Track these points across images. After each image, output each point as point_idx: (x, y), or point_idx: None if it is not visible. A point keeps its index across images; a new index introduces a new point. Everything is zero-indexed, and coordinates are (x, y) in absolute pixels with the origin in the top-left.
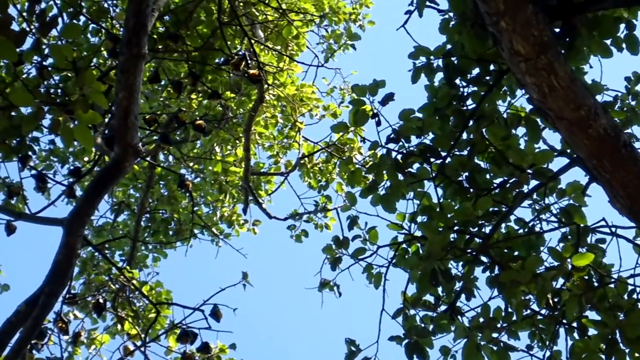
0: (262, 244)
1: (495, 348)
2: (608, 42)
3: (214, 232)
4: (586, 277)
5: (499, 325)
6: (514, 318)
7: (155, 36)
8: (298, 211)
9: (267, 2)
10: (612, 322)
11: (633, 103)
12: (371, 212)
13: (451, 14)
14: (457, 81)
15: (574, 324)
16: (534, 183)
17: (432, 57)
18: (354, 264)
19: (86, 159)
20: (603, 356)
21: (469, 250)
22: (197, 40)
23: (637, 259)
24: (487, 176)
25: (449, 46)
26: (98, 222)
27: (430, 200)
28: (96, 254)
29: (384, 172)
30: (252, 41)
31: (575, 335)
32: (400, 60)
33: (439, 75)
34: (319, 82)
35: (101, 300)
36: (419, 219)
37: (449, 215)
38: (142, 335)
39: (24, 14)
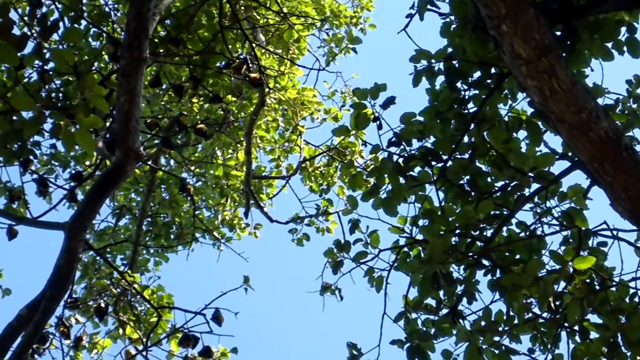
0: (263, 247)
1: (497, 351)
2: (609, 45)
3: (216, 236)
4: (588, 281)
5: (500, 329)
6: (516, 321)
7: (156, 40)
8: (299, 215)
9: (268, 5)
10: (613, 325)
11: (634, 106)
12: (372, 216)
13: (452, 18)
14: (459, 84)
15: (576, 327)
16: (535, 186)
17: (433, 61)
18: (356, 268)
19: (87, 163)
20: (605, 359)
21: (470, 254)
22: (198, 44)
23: (639, 262)
24: (489, 179)
25: (450, 49)
26: (99, 226)
27: (431, 204)
28: (98, 258)
29: (385, 175)
30: (253, 45)
31: (577, 338)
32: (401, 63)
33: (440, 79)
34: (320, 86)
35: (103, 305)
36: (421, 222)
37: (450, 219)
38: (144, 340)
39: (25, 18)
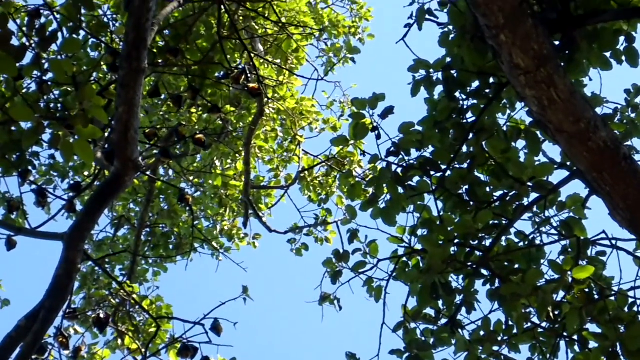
0: (262, 257)
1: None
2: (608, 54)
3: (214, 246)
4: (587, 290)
5: (499, 339)
6: (515, 331)
7: (155, 50)
8: (298, 225)
9: (266, 15)
10: (612, 334)
11: (633, 115)
12: (371, 226)
13: (451, 28)
14: (457, 94)
15: (575, 337)
16: (534, 196)
17: (431, 70)
18: (355, 278)
19: (86, 173)
20: None
21: (469, 264)
22: (196, 54)
23: (638, 272)
24: (487, 189)
25: (448, 59)
26: (98, 237)
27: (430, 214)
28: (96, 268)
29: (384, 185)
30: (252, 55)
31: (576, 348)
32: (399, 73)
33: (439, 89)
34: (319, 96)
35: (102, 316)
36: (419, 232)
37: (449, 229)
38: (143, 350)
39: (24, 29)
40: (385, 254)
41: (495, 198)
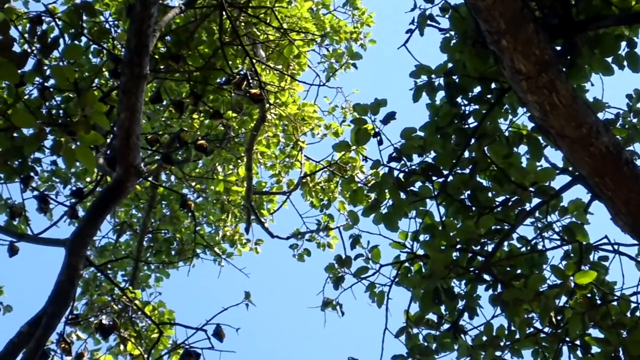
0: (264, 263)
1: None
2: (609, 59)
3: (217, 252)
4: (589, 295)
5: (502, 344)
6: (517, 336)
7: (156, 56)
8: (300, 230)
9: (268, 21)
10: (615, 339)
11: (635, 120)
12: (373, 231)
13: (452, 33)
14: (459, 99)
15: (577, 342)
16: (536, 201)
17: (433, 76)
18: (357, 283)
19: (88, 179)
20: None
21: (471, 269)
22: (198, 60)
23: None
24: (489, 194)
25: (450, 65)
26: (100, 243)
27: (432, 219)
28: (98, 274)
29: (386, 190)
30: (254, 61)
31: (579, 353)
32: (401, 79)
33: (441, 94)
34: (321, 101)
35: (105, 322)
36: (422, 237)
37: (451, 234)
38: (145, 356)
39: (26, 35)
40: (387, 260)
41: (497, 203)
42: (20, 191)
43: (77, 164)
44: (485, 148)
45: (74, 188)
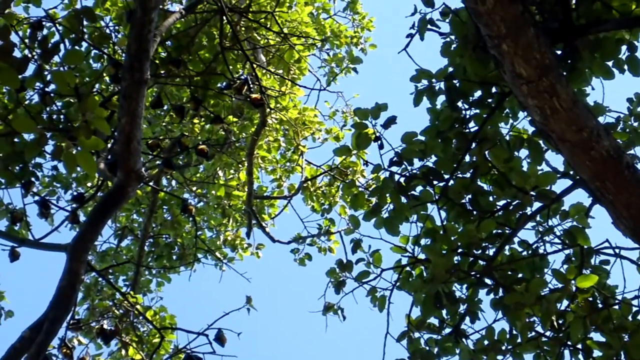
0: (265, 267)
1: None
2: (610, 63)
3: (218, 257)
4: (590, 299)
5: (503, 348)
6: (519, 340)
7: (157, 61)
8: (301, 235)
9: (268, 26)
10: (616, 343)
11: (635, 124)
12: (375, 235)
13: (452, 37)
14: (459, 104)
15: (579, 346)
16: (537, 205)
17: (434, 80)
18: (358, 287)
19: (89, 184)
20: None
21: (472, 273)
22: (199, 65)
23: None
24: (490, 198)
25: (450, 69)
26: (101, 248)
27: (433, 223)
28: (100, 279)
29: (387, 195)
30: (254, 65)
31: (580, 357)
32: (402, 83)
33: (441, 98)
34: (321, 106)
35: (107, 327)
36: (423, 241)
37: (452, 238)
38: None
39: (26, 40)
40: (388, 264)
41: (498, 207)
42: (21, 196)
43: (78, 169)
44: (486, 152)
45: (75, 193)
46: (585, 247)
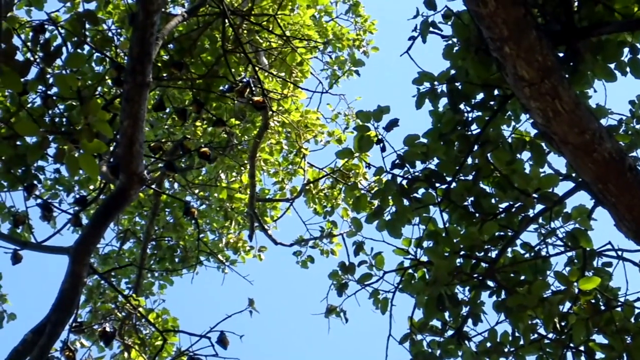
0: (268, 270)
1: None
2: (612, 66)
3: (220, 259)
4: (593, 301)
5: (506, 350)
6: (521, 342)
7: (159, 64)
8: (304, 237)
9: (271, 29)
10: (619, 345)
11: (637, 126)
12: (377, 238)
13: (455, 40)
14: (462, 106)
15: (582, 348)
16: (539, 207)
17: (436, 83)
18: (361, 290)
19: (91, 187)
20: None
21: (475, 275)
22: (201, 67)
23: None
24: (493, 201)
25: (452, 71)
26: (104, 250)
27: (436, 226)
28: (102, 282)
29: (390, 197)
30: (256, 68)
31: (583, 359)
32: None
33: (443, 101)
34: (324, 108)
35: (109, 329)
36: (425, 244)
37: (454, 240)
38: None
39: (29, 43)
40: (391, 266)
41: (500, 210)
42: (23, 199)
43: (81, 172)
44: (489, 154)
45: (77, 196)
46: (588, 249)
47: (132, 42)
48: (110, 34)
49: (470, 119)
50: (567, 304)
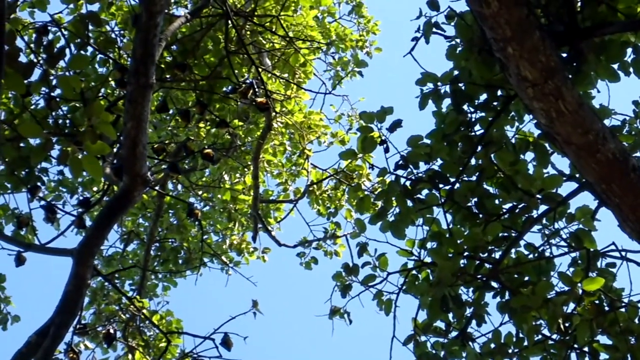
0: (271, 271)
1: None
2: (615, 66)
3: (224, 261)
4: (597, 302)
5: (510, 351)
6: (525, 343)
7: (162, 66)
8: (307, 238)
9: (274, 30)
10: (623, 346)
11: None
12: (381, 239)
13: (458, 40)
14: (465, 107)
15: (586, 349)
16: (543, 208)
17: (439, 84)
18: (364, 291)
19: (95, 189)
20: None
21: (479, 276)
22: (204, 69)
23: None
24: (496, 201)
25: (456, 72)
26: (108, 252)
27: (439, 226)
28: (106, 283)
29: (393, 198)
30: (260, 69)
31: (587, 359)
32: (407, 86)
33: (447, 102)
34: (327, 109)
35: (111, 330)
36: (429, 245)
37: (458, 241)
38: None
39: (32, 45)
40: (394, 267)
41: (504, 210)
42: (27, 201)
43: (84, 173)
44: (492, 155)
45: (81, 198)
46: (592, 250)
47: (135, 43)
48: (113, 36)
49: (473, 119)
50: (571, 305)
